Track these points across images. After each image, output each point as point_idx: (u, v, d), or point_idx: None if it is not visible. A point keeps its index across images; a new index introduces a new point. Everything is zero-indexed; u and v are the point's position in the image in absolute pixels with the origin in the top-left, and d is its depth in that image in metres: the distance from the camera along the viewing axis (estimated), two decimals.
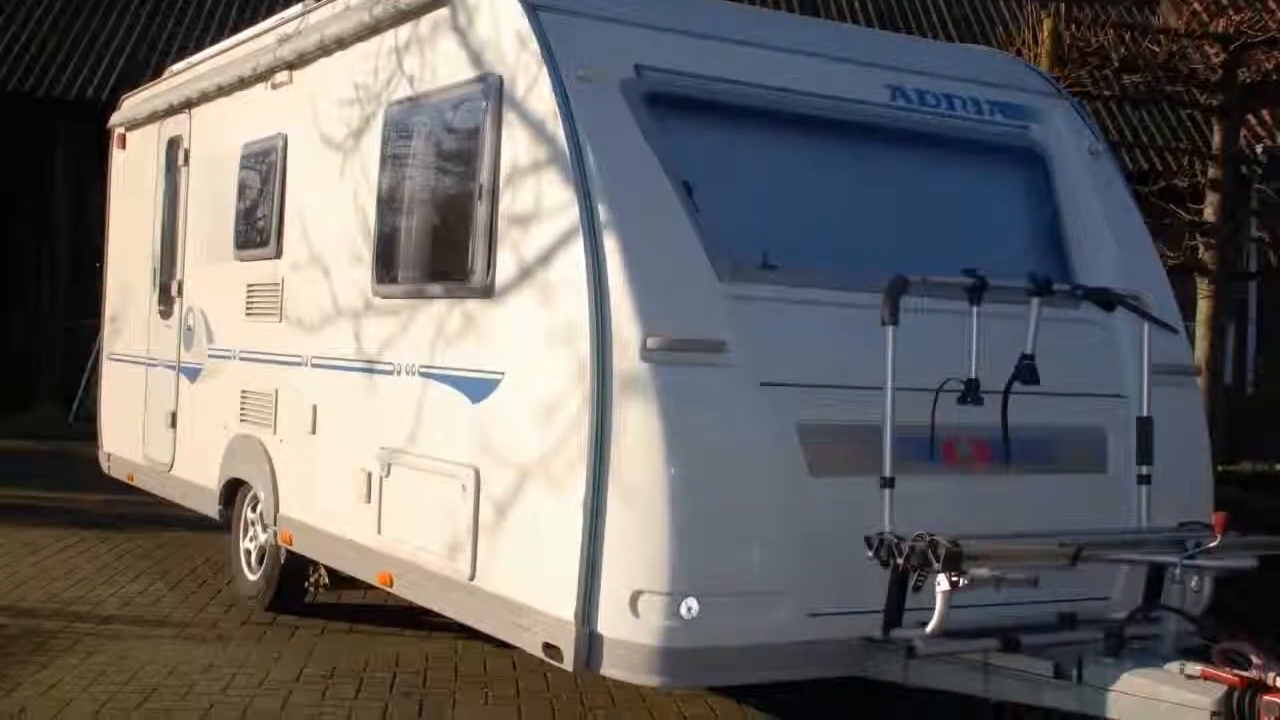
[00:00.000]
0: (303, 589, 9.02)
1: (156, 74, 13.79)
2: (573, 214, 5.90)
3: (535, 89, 6.23)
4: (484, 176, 6.50)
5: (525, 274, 6.21)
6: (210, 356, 9.84)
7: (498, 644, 6.93)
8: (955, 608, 5.30)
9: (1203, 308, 14.59)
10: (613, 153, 6.03)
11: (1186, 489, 6.65)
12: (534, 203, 6.18)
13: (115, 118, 12.44)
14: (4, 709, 6.78)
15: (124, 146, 12.22)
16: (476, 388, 6.51)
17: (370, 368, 7.49)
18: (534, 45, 6.25)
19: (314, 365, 8.19)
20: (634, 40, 6.51)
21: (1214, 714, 4.91)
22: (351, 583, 8.35)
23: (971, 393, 5.93)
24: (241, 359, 9.28)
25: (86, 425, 14.00)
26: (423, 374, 6.97)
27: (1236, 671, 4.97)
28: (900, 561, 5.34)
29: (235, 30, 12.79)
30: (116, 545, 11.25)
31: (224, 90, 9.82)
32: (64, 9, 22.00)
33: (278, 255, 8.74)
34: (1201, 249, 14.65)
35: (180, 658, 7.81)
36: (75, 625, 8.51)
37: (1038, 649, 5.63)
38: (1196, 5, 16.05)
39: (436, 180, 7.09)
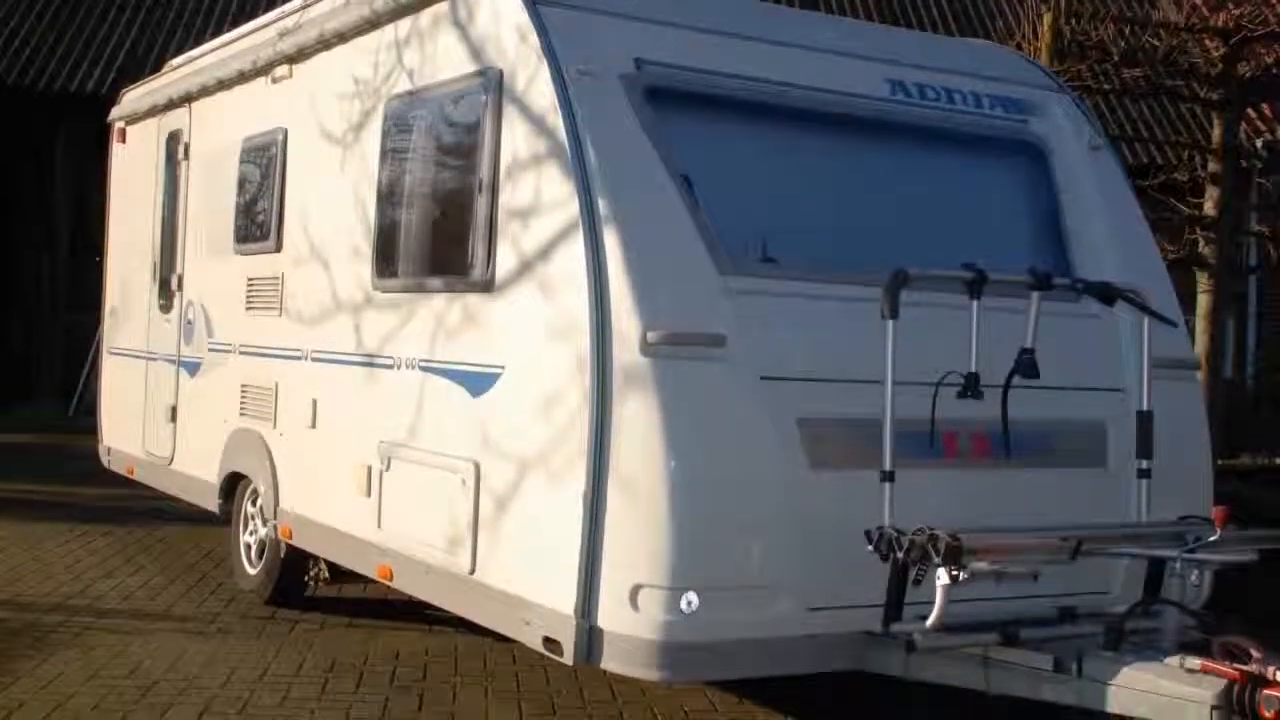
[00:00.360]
0: (303, 583, 9.03)
1: (156, 68, 13.79)
2: (573, 208, 5.90)
3: (535, 83, 6.23)
4: (484, 170, 6.50)
5: (525, 268, 6.21)
6: (210, 351, 9.84)
7: (498, 638, 6.94)
8: (955, 602, 5.31)
9: (1203, 302, 14.58)
10: (612, 147, 6.03)
11: (1186, 483, 6.65)
12: (534, 197, 6.18)
13: (115, 112, 12.43)
14: (3, 703, 6.78)
15: (124, 141, 12.21)
16: (477, 382, 6.51)
17: (370, 362, 7.49)
18: (534, 39, 6.25)
19: (314, 359, 8.19)
20: (634, 34, 6.51)
21: (1214, 708, 4.92)
22: (351, 577, 8.36)
23: (971, 387, 5.93)
24: (241, 353, 9.28)
25: (87, 419, 14.00)
26: (423, 368, 6.97)
27: (1236, 665, 4.98)
28: (900, 555, 5.35)
29: (235, 24, 12.78)
30: (116, 539, 11.26)
31: (224, 84, 9.82)
32: (64, 3, 21.97)
33: (278, 249, 8.74)
34: (1201, 243, 14.64)
35: (180, 652, 7.81)
36: (75, 619, 8.52)
37: (1038, 643, 5.63)
38: None
39: (436, 174, 7.08)
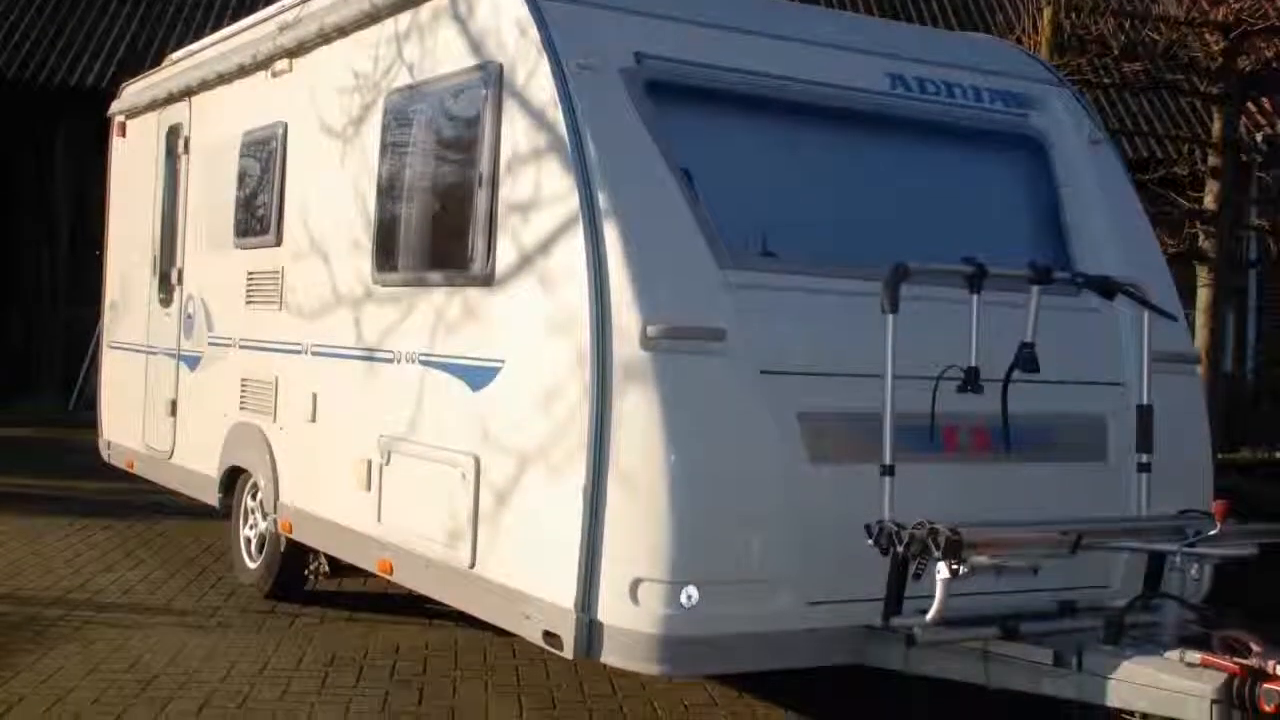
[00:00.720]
0: (303, 577, 9.02)
1: (157, 62, 13.78)
2: (572, 202, 5.90)
3: (535, 77, 6.23)
4: (484, 164, 6.50)
5: (525, 262, 6.21)
6: (210, 344, 9.84)
7: (498, 632, 6.94)
8: (955, 596, 5.31)
9: (1202, 296, 14.58)
10: (612, 141, 6.02)
11: (1187, 477, 6.65)
12: (534, 190, 6.18)
13: (115, 106, 12.43)
14: (3, 697, 6.78)
15: (124, 134, 12.21)
16: (477, 376, 6.51)
17: (370, 356, 7.49)
18: (534, 33, 6.24)
19: (314, 353, 8.19)
20: (634, 28, 6.50)
21: (1214, 702, 4.92)
22: (351, 571, 8.35)
23: (971, 381, 5.93)
24: (241, 347, 9.28)
25: (87, 413, 14.00)
26: (423, 362, 6.97)
27: (1237, 659, 4.98)
28: (900, 549, 5.34)
29: (235, 18, 12.78)
30: (116, 533, 11.26)
31: (224, 78, 9.81)
32: None
33: (278, 243, 8.74)
34: (1201, 237, 14.65)
35: (180, 646, 7.81)
36: (75, 613, 8.52)
37: (1038, 637, 5.64)
38: None
39: (436, 168, 7.08)
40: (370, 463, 7.34)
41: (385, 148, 7.46)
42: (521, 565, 6.14)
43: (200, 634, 8.12)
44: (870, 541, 5.45)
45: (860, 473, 5.68)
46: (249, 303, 9.18)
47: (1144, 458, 6.26)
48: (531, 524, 6.10)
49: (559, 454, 5.88)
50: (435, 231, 7.05)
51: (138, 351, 11.37)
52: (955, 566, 5.19)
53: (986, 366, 5.95)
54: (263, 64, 9.15)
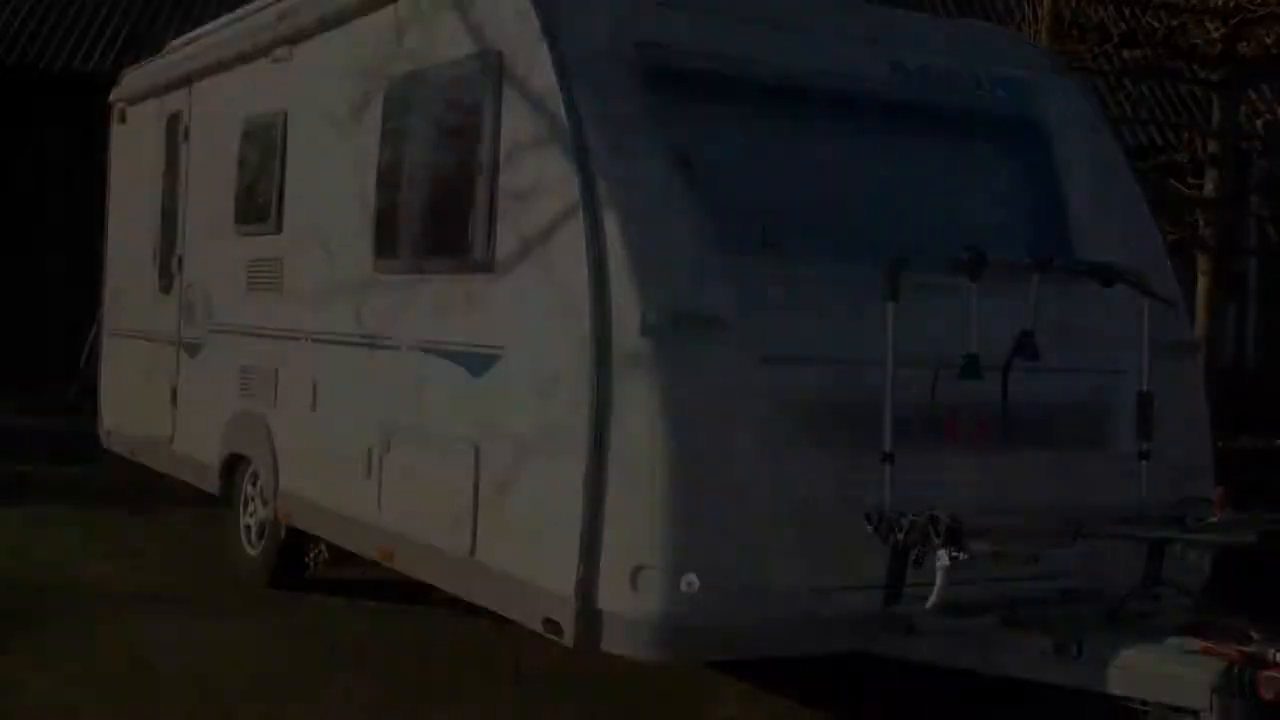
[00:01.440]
0: (303, 564, 9.04)
1: (157, 49, 13.76)
2: (573, 189, 5.89)
3: (535, 65, 6.22)
4: (484, 152, 6.49)
5: (526, 249, 6.21)
6: (211, 332, 9.84)
7: (498, 619, 6.94)
8: (955, 583, 5.31)
9: (1202, 283, 14.57)
10: (613, 128, 6.02)
11: (1187, 465, 6.65)
12: (534, 178, 6.18)
13: (115, 92, 12.43)
14: (3, 685, 6.78)
15: (124, 121, 12.20)
16: (477, 363, 6.51)
17: (370, 343, 7.49)
18: (534, 21, 6.24)
19: (314, 341, 8.19)
20: (634, 16, 6.49)
21: (1214, 689, 4.92)
22: (352, 557, 8.36)
23: (972, 368, 5.93)
24: (242, 334, 9.28)
25: (87, 400, 14.00)
26: (423, 350, 6.97)
27: (1236, 647, 4.99)
28: (900, 537, 5.35)
29: (236, 5, 12.75)
30: (116, 520, 11.25)
31: (224, 65, 9.81)
32: None
33: (278, 231, 8.73)
34: (1201, 224, 14.63)
35: (180, 632, 7.82)
36: (75, 601, 8.52)
37: (1038, 624, 5.64)
38: None
39: (437, 156, 7.08)
40: (370, 450, 7.34)
41: (385, 135, 7.45)
42: (521, 553, 6.15)
43: (200, 621, 8.12)
44: (870, 529, 5.46)
45: (861, 460, 5.68)
46: (249, 290, 9.18)
47: (1144, 445, 6.26)
48: (531, 511, 6.10)
49: (559, 441, 5.88)
50: (435, 219, 7.04)
51: (138, 339, 11.37)
52: (955, 554, 5.20)
53: (987, 354, 5.95)
54: (263, 51, 9.13)
